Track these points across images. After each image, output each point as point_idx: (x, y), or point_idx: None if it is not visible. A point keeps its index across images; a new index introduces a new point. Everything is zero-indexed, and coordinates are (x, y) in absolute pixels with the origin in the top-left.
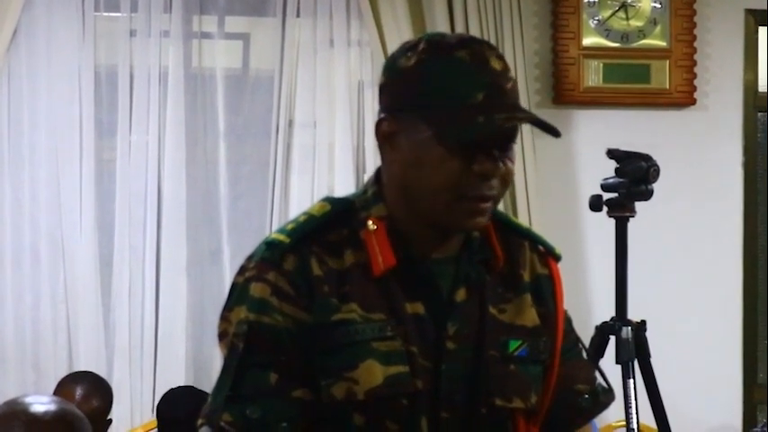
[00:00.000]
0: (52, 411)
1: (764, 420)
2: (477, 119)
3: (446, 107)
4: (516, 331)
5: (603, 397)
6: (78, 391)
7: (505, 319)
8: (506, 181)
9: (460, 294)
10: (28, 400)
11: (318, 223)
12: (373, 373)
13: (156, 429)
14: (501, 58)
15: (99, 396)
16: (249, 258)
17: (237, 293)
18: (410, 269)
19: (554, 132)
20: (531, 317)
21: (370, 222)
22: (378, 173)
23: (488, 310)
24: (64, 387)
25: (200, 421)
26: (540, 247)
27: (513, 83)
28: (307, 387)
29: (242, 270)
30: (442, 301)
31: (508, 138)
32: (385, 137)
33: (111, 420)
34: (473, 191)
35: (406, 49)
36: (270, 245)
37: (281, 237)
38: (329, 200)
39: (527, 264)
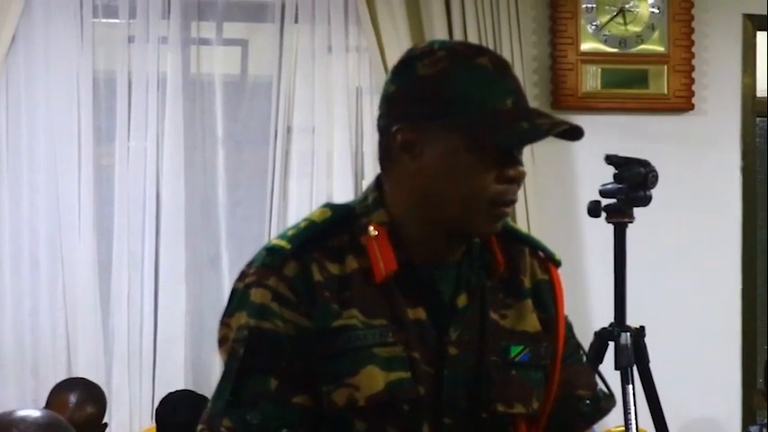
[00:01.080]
0: None
1: (764, 420)
2: (521, 125)
3: (480, 115)
4: (517, 337)
5: (604, 402)
6: (72, 399)
7: (507, 325)
8: (521, 184)
9: (462, 300)
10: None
11: (319, 229)
12: (374, 379)
13: None
14: None
15: (92, 402)
16: (249, 264)
17: (238, 299)
18: (411, 275)
19: (581, 134)
20: (532, 322)
21: (371, 228)
22: (378, 179)
23: (489, 316)
24: (57, 395)
25: (200, 427)
26: (541, 253)
27: None
28: (307, 393)
29: (242, 276)
30: (444, 307)
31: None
32: (403, 147)
33: (106, 424)
34: (503, 196)
35: (420, 56)
36: (270, 251)
37: (282, 243)
38: (330, 206)
39: (527, 269)
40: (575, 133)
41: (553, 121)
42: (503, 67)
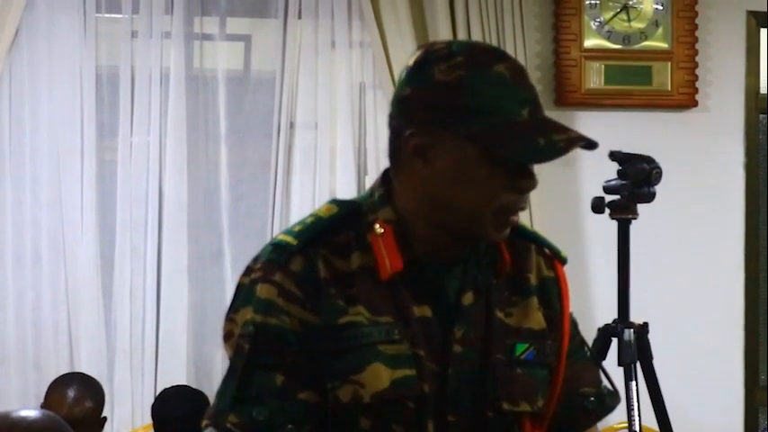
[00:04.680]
0: None
1: (766, 423)
2: (537, 141)
3: (495, 126)
4: (523, 335)
5: (609, 399)
6: (70, 394)
7: (512, 323)
8: (530, 192)
9: (467, 298)
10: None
11: (326, 225)
12: (379, 377)
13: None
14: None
15: (90, 397)
16: (255, 259)
17: (243, 294)
18: (417, 273)
19: (594, 146)
20: (537, 320)
21: (377, 226)
22: (385, 175)
23: (495, 314)
24: (55, 391)
25: (205, 422)
26: (547, 250)
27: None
28: (313, 389)
29: (248, 271)
30: (450, 305)
31: None
32: (416, 151)
33: (105, 418)
34: (512, 205)
35: (438, 59)
36: (276, 246)
37: (288, 238)
38: (336, 202)
39: (533, 267)
40: (590, 145)
41: (569, 136)
42: (520, 76)
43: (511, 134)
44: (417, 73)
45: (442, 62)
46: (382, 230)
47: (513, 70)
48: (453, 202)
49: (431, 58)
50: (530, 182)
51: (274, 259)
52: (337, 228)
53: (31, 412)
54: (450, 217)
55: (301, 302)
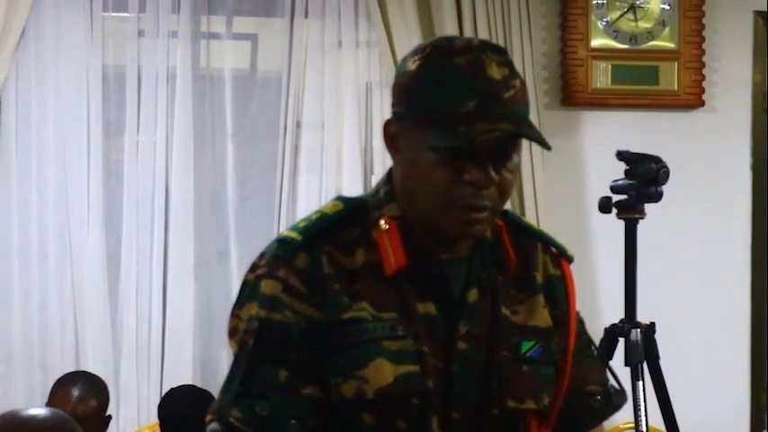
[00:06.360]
0: None
1: None
2: (459, 128)
3: (434, 114)
4: (529, 332)
5: (615, 398)
6: (75, 393)
7: (518, 320)
8: (504, 191)
9: (472, 295)
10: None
11: (331, 222)
12: (383, 372)
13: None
14: (505, 64)
15: (95, 395)
16: (261, 256)
17: (248, 290)
18: (422, 269)
19: (544, 145)
20: (543, 318)
21: (382, 222)
22: (390, 173)
23: (501, 311)
24: (59, 390)
25: (208, 417)
26: (553, 249)
27: (516, 91)
28: (317, 384)
29: (253, 267)
30: (454, 302)
31: (504, 147)
32: (390, 138)
33: (110, 417)
34: (464, 200)
35: (415, 52)
36: (282, 242)
37: (293, 234)
38: (342, 199)
39: (540, 265)
40: (538, 139)
41: (492, 126)
42: (477, 68)
43: (440, 123)
44: (398, 65)
45: (417, 54)
46: (387, 227)
47: (472, 63)
48: (413, 191)
49: (412, 51)
50: (478, 175)
51: (279, 255)
52: (342, 224)
53: (41, 410)
54: (418, 208)
55: (305, 298)
